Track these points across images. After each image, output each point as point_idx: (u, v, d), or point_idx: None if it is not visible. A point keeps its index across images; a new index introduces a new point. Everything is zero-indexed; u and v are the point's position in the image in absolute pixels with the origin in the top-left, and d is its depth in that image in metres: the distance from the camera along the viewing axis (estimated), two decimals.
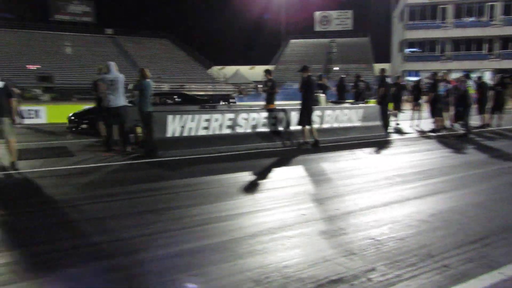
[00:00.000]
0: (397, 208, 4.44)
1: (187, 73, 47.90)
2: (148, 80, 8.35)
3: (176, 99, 13.03)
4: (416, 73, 40.39)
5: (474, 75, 19.38)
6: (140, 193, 5.16)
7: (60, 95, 26.63)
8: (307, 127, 8.80)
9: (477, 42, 42.37)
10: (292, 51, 56.59)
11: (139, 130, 8.63)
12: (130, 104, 8.63)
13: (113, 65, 8.06)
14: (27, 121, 15.23)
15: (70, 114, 12.06)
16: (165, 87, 39.11)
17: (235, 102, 16.19)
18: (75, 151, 8.29)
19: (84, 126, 11.51)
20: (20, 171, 6.30)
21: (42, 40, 45.69)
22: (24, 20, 47.27)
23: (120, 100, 7.96)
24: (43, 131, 13.06)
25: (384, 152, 8.69)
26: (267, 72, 10.48)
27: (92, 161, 7.23)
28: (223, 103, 15.28)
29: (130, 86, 8.35)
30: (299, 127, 8.94)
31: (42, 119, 16.45)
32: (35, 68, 38.00)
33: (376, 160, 7.77)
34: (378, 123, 10.70)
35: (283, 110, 9.37)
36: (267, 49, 58.01)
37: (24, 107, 15.17)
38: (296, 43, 58.32)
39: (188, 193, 5.19)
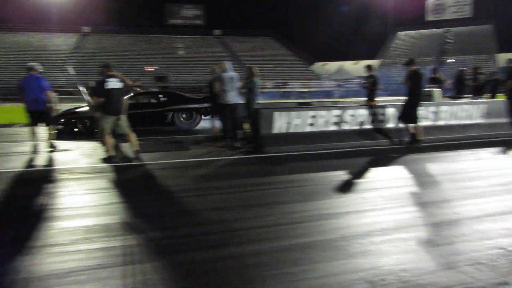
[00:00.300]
0: None
1: (290, 70, 48.36)
2: (256, 78, 8.63)
3: (162, 99, 11.99)
4: None
5: None
6: (249, 187, 5.35)
7: None
8: (412, 124, 8.22)
9: None
10: (400, 43, 53.51)
11: (246, 126, 8.96)
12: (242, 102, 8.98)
13: (229, 64, 8.50)
14: None
15: None
16: (269, 84, 40.02)
17: None
18: (190, 145, 8.93)
19: (60, 127, 11.58)
20: (142, 162, 6.99)
21: (158, 44, 50.11)
22: (143, 26, 52.29)
23: (236, 97, 8.39)
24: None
25: None
26: (368, 67, 10.08)
27: (205, 155, 7.70)
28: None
29: (239, 84, 8.70)
30: (408, 124, 8.40)
31: None
32: (152, 69, 41.84)
33: (503, 161, 6.95)
34: (505, 120, 9.53)
35: (387, 107, 8.89)
36: (373, 43, 55.65)
37: None
38: (405, 35, 54.99)
39: (295, 188, 5.22)
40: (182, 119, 11.61)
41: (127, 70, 36.51)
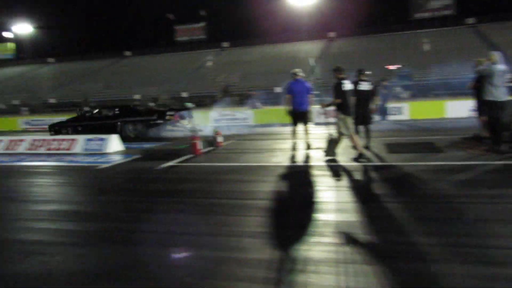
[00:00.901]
0: None
1: None
2: None
3: (116, 112, 14.05)
4: None
5: None
6: None
7: (419, 92, 27.34)
8: None
9: None
10: None
11: None
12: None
13: (499, 55, 7.42)
14: (392, 118, 16.52)
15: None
16: None
17: (172, 115, 13.47)
18: (442, 147, 8.26)
19: (52, 133, 14.47)
20: (393, 163, 6.91)
21: (401, 41, 48.42)
22: (385, 25, 51.55)
23: (506, 93, 7.29)
24: (408, 127, 13.82)
25: None
26: None
27: (461, 159, 6.97)
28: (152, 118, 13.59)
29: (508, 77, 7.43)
30: None
31: (405, 116, 17.42)
32: (395, 68, 40.73)
33: None
34: None
35: None
36: None
37: (389, 105, 16.50)
38: None
39: None
40: (129, 129, 13.54)
41: (370, 70, 36.93)
